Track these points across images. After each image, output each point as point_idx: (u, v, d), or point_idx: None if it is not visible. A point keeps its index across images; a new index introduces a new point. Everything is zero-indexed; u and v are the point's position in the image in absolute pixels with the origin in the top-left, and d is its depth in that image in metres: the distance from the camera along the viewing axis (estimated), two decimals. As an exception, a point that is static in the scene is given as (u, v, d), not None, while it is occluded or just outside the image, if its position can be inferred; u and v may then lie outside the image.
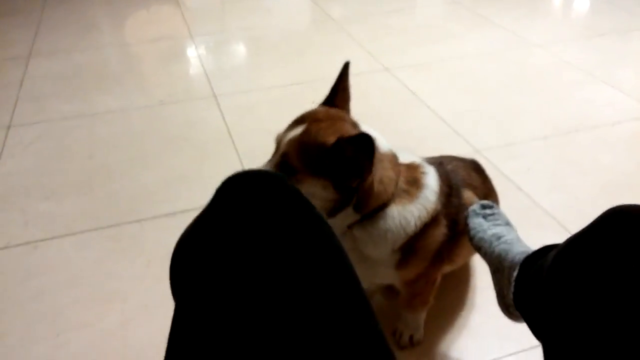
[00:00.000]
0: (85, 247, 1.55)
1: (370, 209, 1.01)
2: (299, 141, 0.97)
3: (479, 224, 1.10)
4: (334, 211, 1.00)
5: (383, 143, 1.04)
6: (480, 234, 1.08)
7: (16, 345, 1.27)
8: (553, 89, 2.35)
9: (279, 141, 1.02)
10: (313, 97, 2.35)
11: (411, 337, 1.25)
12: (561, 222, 1.57)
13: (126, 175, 1.85)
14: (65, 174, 1.87)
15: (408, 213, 1.04)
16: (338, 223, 1.02)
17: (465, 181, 1.21)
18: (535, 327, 0.79)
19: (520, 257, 0.92)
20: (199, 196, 1.72)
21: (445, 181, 1.13)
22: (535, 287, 0.79)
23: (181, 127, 2.15)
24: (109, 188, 1.79)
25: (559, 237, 1.54)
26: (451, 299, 1.36)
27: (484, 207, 1.13)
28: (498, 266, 0.99)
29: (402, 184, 1.05)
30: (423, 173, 1.09)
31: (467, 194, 1.19)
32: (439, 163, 1.18)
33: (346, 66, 1.09)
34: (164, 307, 1.30)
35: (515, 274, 0.89)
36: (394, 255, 1.06)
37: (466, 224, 1.12)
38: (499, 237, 1.04)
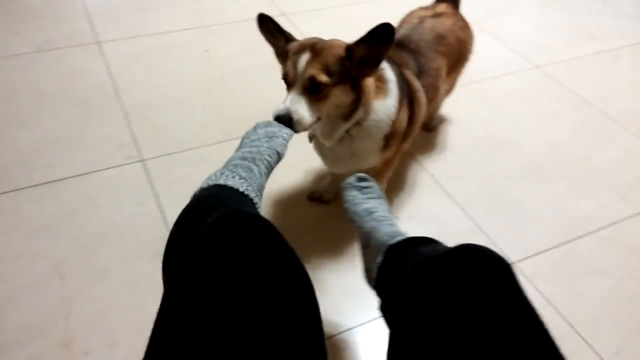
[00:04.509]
0: (-45, 220, 1.46)
1: (368, 105, 1.23)
2: (319, 61, 1.13)
3: (353, 197, 1.17)
4: (350, 113, 1.22)
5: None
6: (354, 207, 1.14)
7: None
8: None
9: (290, 72, 1.16)
10: (207, 44, 2.29)
11: None
12: (440, 182, 1.68)
13: (-1, 137, 1.74)
14: None
15: (389, 104, 1.28)
16: (342, 129, 1.26)
17: (401, 61, 1.41)
18: (387, 314, 0.88)
19: (386, 240, 0.99)
20: (80, 161, 1.66)
21: (393, 68, 1.33)
22: (392, 288, 0.88)
23: (61, 80, 2.01)
24: (-20, 152, 1.67)
25: (439, 197, 1.64)
26: (335, 265, 1.44)
27: (360, 179, 1.19)
28: (367, 242, 1.06)
29: (373, 80, 1.24)
30: (381, 68, 1.27)
31: (408, 74, 1.39)
32: None
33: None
34: (44, 286, 1.29)
35: (379, 260, 0.96)
36: (380, 142, 1.32)
37: (342, 196, 1.19)
38: (370, 213, 1.11)
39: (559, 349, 0.64)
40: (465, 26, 1.63)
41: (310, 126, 1.18)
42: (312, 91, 1.15)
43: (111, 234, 1.45)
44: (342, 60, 1.15)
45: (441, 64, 1.50)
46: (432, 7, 1.63)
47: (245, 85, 2.07)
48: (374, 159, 1.37)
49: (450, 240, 0.90)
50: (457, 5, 1.67)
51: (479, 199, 1.63)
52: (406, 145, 1.46)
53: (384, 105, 1.27)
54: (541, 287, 1.39)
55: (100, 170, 1.63)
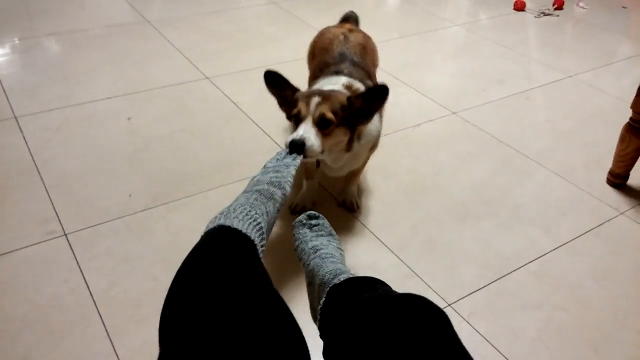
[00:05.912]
0: None
1: (362, 136, 1.52)
2: (328, 103, 1.37)
3: (303, 235, 1.21)
4: (349, 147, 1.47)
5: (357, 85, 1.56)
6: (302, 245, 1.18)
7: None
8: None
9: (302, 110, 1.38)
10: (129, 112, 2.26)
11: (357, 204, 1.78)
12: (372, 231, 1.71)
13: None
14: None
15: (374, 121, 1.54)
16: (347, 155, 1.52)
17: (360, 75, 1.64)
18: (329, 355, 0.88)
19: (328, 278, 1.01)
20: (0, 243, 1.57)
21: (365, 84, 1.61)
22: (335, 334, 0.89)
23: (-25, 158, 1.93)
24: None
25: (373, 245, 1.66)
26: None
27: (309, 217, 1.23)
28: (311, 280, 1.09)
29: None
30: (359, 90, 1.54)
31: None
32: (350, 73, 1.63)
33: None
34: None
35: (322, 301, 0.97)
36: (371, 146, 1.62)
37: (293, 234, 1.24)
38: (316, 250, 1.14)
39: None
40: (370, 38, 1.91)
41: (317, 155, 1.38)
42: (321, 126, 1.37)
43: (33, 316, 1.36)
44: (344, 107, 1.39)
45: (373, 71, 1.81)
46: (341, 25, 1.88)
47: (170, 149, 2.05)
48: (365, 157, 1.66)
49: (387, 287, 0.92)
50: (357, 24, 2.01)
51: (411, 244, 1.67)
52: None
53: (372, 123, 1.53)
54: (477, 326, 1.42)
55: (20, 248, 1.55)
